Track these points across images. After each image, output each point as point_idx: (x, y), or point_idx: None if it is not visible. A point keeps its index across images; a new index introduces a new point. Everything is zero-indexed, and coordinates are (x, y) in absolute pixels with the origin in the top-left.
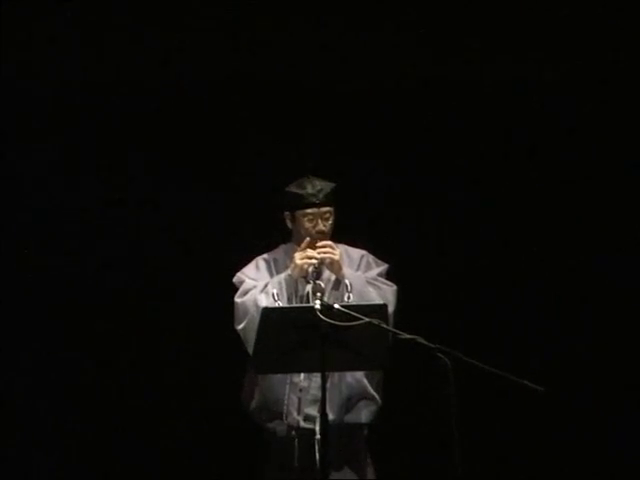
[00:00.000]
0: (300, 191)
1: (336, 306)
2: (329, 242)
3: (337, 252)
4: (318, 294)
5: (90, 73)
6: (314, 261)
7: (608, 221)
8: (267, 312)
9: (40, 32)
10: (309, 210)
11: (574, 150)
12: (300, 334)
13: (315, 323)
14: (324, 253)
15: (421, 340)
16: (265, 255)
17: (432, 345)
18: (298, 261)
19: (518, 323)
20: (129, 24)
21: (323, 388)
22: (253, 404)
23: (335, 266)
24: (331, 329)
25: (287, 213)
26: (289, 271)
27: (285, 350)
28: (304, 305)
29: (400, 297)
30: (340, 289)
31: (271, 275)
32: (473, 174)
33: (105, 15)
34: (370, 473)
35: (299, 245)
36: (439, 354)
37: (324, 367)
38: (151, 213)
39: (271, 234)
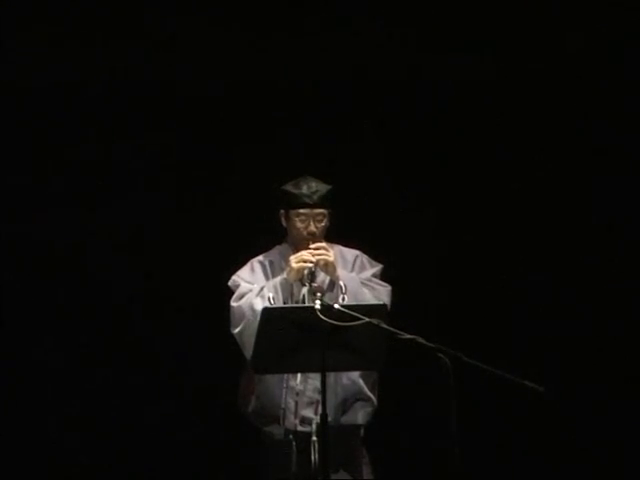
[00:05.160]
0: (295, 190)
1: (336, 306)
2: (323, 244)
3: (331, 253)
4: (318, 294)
5: (81, 75)
6: (310, 264)
7: (606, 221)
8: (267, 312)
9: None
10: (302, 210)
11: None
12: (300, 334)
13: (315, 323)
14: (319, 255)
15: (421, 340)
16: (260, 257)
17: (432, 345)
18: (294, 264)
19: (518, 323)
20: (123, 27)
21: (323, 388)
22: (250, 408)
23: (330, 268)
24: (331, 329)
25: (282, 212)
26: (285, 274)
27: (285, 350)
28: (304, 305)
29: (395, 297)
30: (335, 290)
31: (267, 277)
32: (472, 173)
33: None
34: (367, 474)
35: (293, 245)
36: (439, 354)
37: (324, 367)
38: (149, 213)
39: (266, 235)
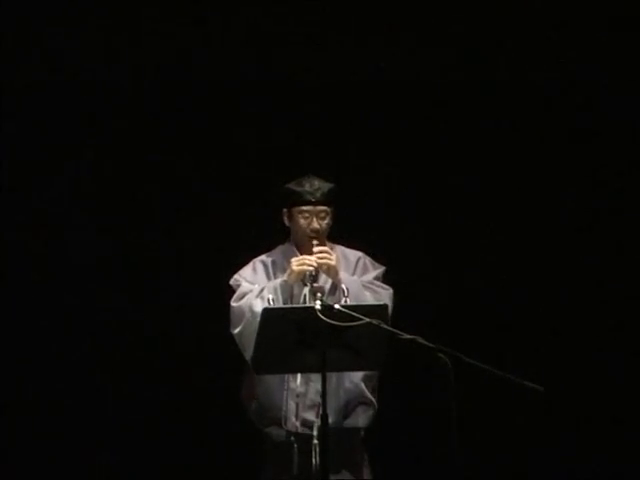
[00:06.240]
0: (298, 188)
1: (336, 306)
2: (325, 247)
3: (333, 257)
4: (318, 294)
5: (85, 72)
6: (311, 268)
7: (604, 220)
8: (268, 312)
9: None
10: (305, 207)
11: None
12: (300, 334)
13: (315, 323)
14: (320, 259)
15: (421, 340)
16: (263, 257)
17: (432, 345)
18: (295, 267)
19: (518, 323)
20: (125, 23)
21: (323, 388)
22: (251, 409)
23: (332, 271)
24: (331, 329)
25: (285, 210)
26: (285, 277)
27: (285, 350)
28: (305, 305)
29: (396, 298)
30: (337, 294)
31: (268, 278)
32: (473, 174)
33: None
34: (367, 474)
35: (296, 244)
36: (439, 354)
37: (324, 367)
38: (149, 212)
39: (270, 235)
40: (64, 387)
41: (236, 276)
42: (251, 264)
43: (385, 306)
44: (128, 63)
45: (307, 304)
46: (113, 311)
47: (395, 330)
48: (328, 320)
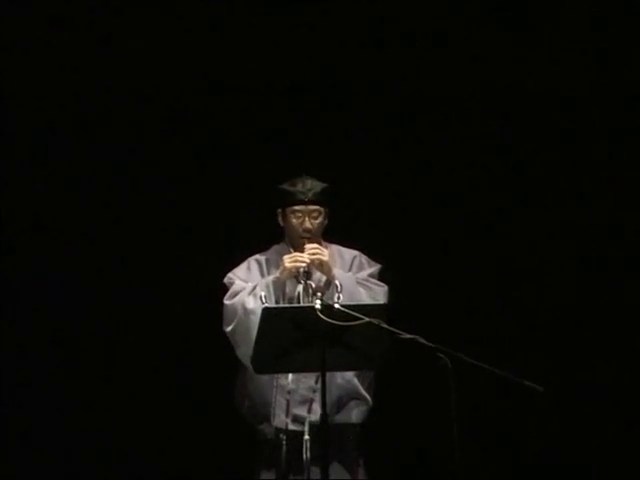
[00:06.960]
0: (291, 188)
1: (336, 306)
2: (316, 244)
3: (326, 253)
4: (318, 294)
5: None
6: (303, 264)
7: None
8: (267, 312)
9: None
10: (297, 207)
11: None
12: (300, 334)
13: (315, 323)
14: (313, 255)
15: (421, 340)
16: (257, 256)
17: (432, 345)
18: (287, 264)
19: (518, 322)
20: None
21: (323, 388)
22: (244, 406)
23: (325, 267)
24: (331, 329)
25: (279, 210)
26: (277, 273)
27: (285, 350)
28: (304, 305)
29: (393, 297)
30: (330, 290)
31: (262, 276)
32: (472, 173)
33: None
34: (361, 474)
35: (291, 244)
36: (439, 354)
37: (324, 367)
38: (146, 211)
39: (265, 234)
40: (62, 386)
41: (230, 274)
42: (245, 263)
43: (385, 306)
44: (126, 64)
45: (302, 302)
46: (110, 310)
47: (395, 330)
48: (328, 320)
